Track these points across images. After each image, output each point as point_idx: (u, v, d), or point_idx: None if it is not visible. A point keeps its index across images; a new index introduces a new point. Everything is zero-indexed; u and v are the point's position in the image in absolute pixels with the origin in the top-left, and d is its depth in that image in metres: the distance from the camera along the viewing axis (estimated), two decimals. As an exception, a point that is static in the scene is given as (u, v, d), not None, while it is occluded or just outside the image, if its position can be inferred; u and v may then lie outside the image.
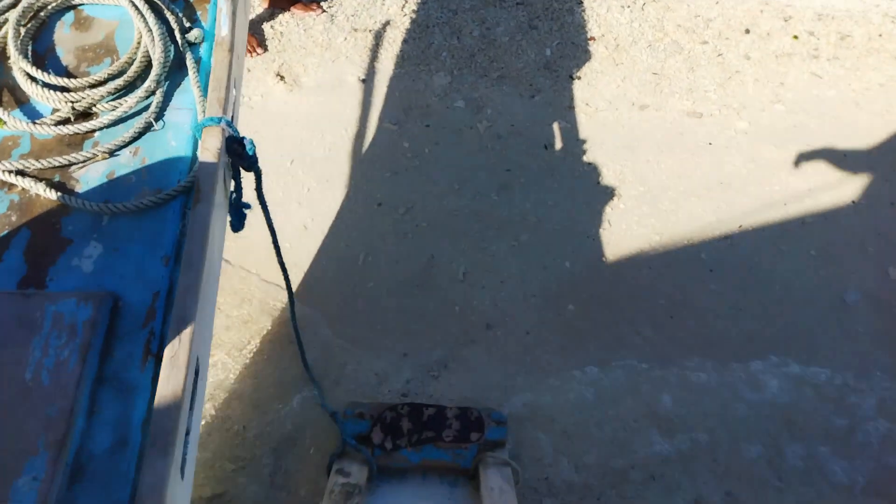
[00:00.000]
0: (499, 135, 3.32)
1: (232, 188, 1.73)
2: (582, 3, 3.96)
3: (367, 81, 3.49)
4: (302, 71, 3.52)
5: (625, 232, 2.96)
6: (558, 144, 3.30)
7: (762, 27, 3.91)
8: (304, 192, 3.05)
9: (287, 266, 2.80)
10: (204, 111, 1.68)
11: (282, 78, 3.47)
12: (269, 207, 1.88)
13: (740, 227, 3.00)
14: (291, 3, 3.77)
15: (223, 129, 1.56)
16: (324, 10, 3.79)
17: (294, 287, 2.72)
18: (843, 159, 3.25)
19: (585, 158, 3.23)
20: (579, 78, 3.59)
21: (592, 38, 3.79)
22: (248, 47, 3.55)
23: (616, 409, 2.48)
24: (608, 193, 3.08)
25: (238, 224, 1.79)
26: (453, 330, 2.65)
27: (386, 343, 2.60)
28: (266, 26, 3.72)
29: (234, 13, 1.77)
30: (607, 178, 3.16)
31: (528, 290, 2.78)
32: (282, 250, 2.92)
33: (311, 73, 3.51)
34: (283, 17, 3.76)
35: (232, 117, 1.75)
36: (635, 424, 2.45)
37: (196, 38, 1.86)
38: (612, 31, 3.82)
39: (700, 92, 3.54)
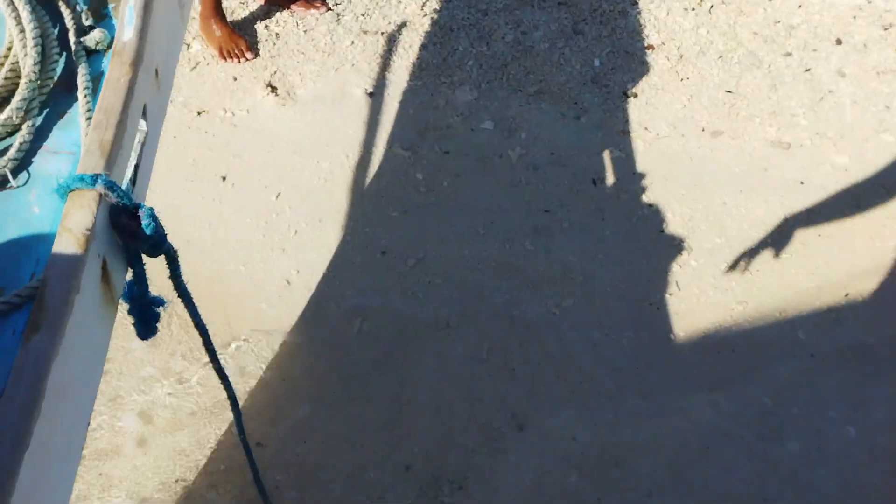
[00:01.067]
0: (535, 165, 2.68)
1: (130, 277, 1.11)
2: (636, 4, 3.30)
3: (376, 95, 2.87)
4: (298, 81, 2.91)
5: (698, 299, 2.30)
6: (610, 179, 2.65)
7: (856, 37, 3.22)
8: (290, 234, 2.43)
9: (259, 336, 2.19)
10: None
11: (273, 89, 2.87)
12: (193, 298, 1.25)
13: (847, 295, 2.33)
14: (292, 0, 3.16)
15: (100, 195, 0.95)
16: (329, 8, 3.18)
17: (261, 370, 2.11)
18: (973, 206, 2.56)
19: (645, 198, 2.58)
20: (635, 95, 2.93)
21: (650, 47, 3.13)
22: (236, 51, 2.95)
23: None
24: (675, 245, 2.43)
25: (145, 330, 1.16)
26: (473, 431, 2.02)
27: (383, 447, 1.98)
28: (259, 26, 3.12)
29: (146, 8, 1.15)
30: (673, 224, 2.50)
31: (572, 374, 2.14)
32: (255, 313, 2.32)
33: (309, 83, 2.90)
34: (281, 16, 3.15)
35: (136, 170, 1.14)
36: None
37: (98, 44, 1.25)
38: (674, 38, 3.16)
39: (786, 116, 2.87)
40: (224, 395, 1.61)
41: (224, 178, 2.58)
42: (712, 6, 3.31)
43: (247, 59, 2.97)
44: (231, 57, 2.95)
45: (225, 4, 3.11)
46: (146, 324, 1.16)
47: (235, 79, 2.91)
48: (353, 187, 2.57)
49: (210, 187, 2.55)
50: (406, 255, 2.40)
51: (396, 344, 2.19)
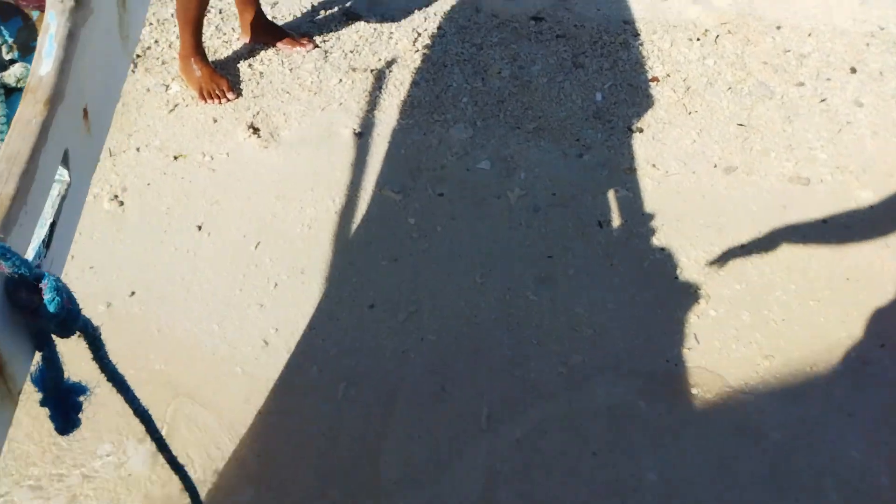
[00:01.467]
0: (536, 207, 2.49)
1: (40, 362, 0.91)
2: (638, 35, 3.15)
3: (365, 135, 2.70)
4: (282, 121, 2.74)
5: (719, 353, 2.08)
6: (617, 221, 2.45)
7: (871, 65, 3.06)
8: (269, 288, 2.23)
9: (230, 407, 1.92)
10: None
11: (255, 130, 2.69)
12: (127, 381, 1.04)
13: (882, 345, 2.11)
14: (277, 38, 3.01)
15: (-10, 265, 0.75)
16: (317, 46, 3.03)
17: (233, 445, 1.88)
18: None
19: (656, 241, 2.38)
20: (641, 130, 2.76)
21: (655, 79, 2.97)
22: (217, 91, 2.79)
23: None
24: (691, 293, 2.22)
25: (64, 424, 0.96)
26: (472, 510, 1.78)
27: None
28: (243, 65, 2.96)
29: (70, 36, 0.97)
30: (688, 269, 2.29)
31: (585, 444, 1.91)
32: (230, 377, 2.08)
33: (294, 123, 2.73)
34: (266, 54, 3.00)
35: (51, 229, 0.94)
36: None
37: (20, 81, 1.07)
38: (679, 69, 3.00)
39: (803, 149, 2.68)
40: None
41: (200, 228, 2.39)
42: (718, 36, 3.16)
43: (228, 100, 2.80)
44: (212, 98, 2.79)
45: (207, 44, 2.96)
46: (65, 416, 0.95)
47: (216, 120, 2.74)
48: (340, 234, 2.37)
49: (185, 238, 2.36)
50: (397, 308, 2.19)
51: (385, 411, 1.96)
